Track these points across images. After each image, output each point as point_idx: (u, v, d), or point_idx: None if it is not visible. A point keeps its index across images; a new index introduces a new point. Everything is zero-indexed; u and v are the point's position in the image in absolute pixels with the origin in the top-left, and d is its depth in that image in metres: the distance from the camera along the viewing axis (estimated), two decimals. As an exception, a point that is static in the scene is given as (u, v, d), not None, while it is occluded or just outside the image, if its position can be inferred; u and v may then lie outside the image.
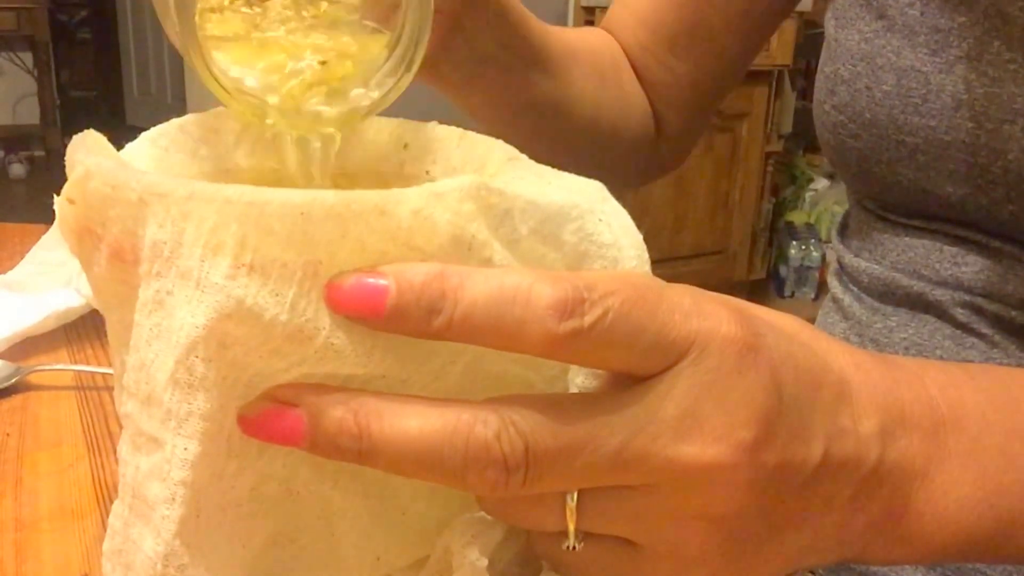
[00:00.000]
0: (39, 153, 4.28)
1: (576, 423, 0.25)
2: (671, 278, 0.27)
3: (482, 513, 0.29)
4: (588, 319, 0.24)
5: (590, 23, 2.37)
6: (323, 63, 0.31)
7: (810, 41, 2.81)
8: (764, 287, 3.08)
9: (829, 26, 0.51)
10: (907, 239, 0.48)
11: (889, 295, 0.49)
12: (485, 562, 0.28)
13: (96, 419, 0.49)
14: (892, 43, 0.45)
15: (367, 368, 0.26)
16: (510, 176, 0.30)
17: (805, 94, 3.07)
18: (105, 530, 0.29)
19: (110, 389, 0.53)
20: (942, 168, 0.44)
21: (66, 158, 0.27)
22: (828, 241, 2.98)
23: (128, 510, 0.27)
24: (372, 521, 0.29)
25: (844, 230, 0.56)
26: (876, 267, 0.50)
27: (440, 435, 0.24)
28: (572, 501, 0.26)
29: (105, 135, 0.29)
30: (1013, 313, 0.44)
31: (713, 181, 2.75)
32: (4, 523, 0.40)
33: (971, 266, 0.45)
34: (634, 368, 0.25)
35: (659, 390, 0.25)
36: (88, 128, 0.30)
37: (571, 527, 0.27)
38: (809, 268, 3.02)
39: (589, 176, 0.30)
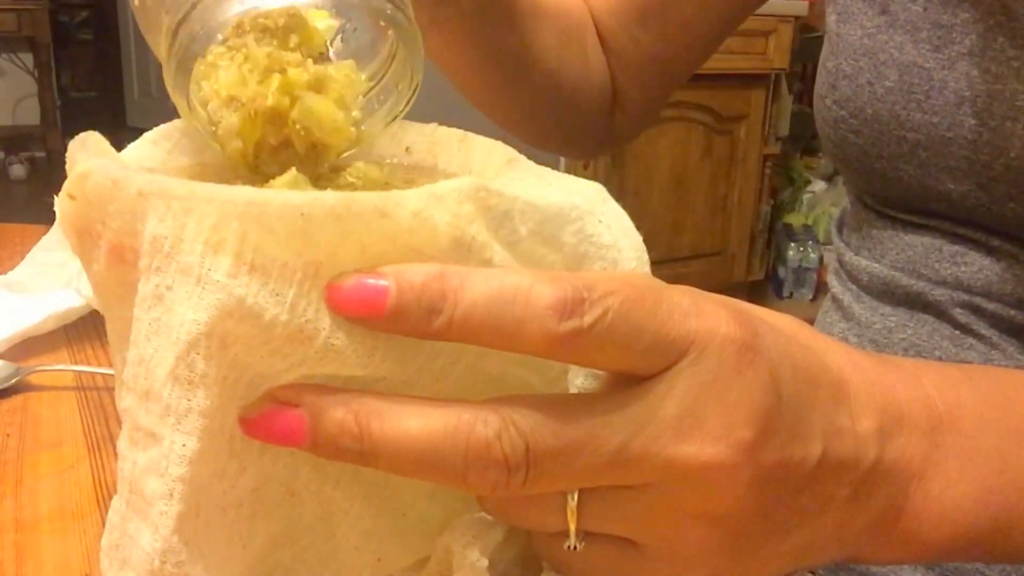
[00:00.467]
0: (39, 154, 4.28)
1: (577, 423, 0.25)
2: (670, 279, 0.27)
3: (483, 514, 0.29)
4: (588, 319, 0.24)
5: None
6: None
7: (807, 45, 2.82)
8: (763, 288, 3.08)
9: (831, 20, 0.51)
10: (907, 238, 0.48)
11: (888, 294, 0.49)
12: (486, 563, 0.28)
13: (96, 420, 0.49)
14: (895, 38, 0.45)
15: (367, 369, 0.26)
16: (510, 177, 0.30)
17: (802, 97, 3.08)
18: (105, 530, 0.29)
19: (110, 390, 0.53)
20: (943, 164, 0.44)
21: (67, 158, 0.28)
22: (826, 243, 2.99)
23: (125, 505, 0.27)
24: (373, 522, 0.29)
25: (842, 228, 0.56)
26: (876, 266, 0.50)
27: (441, 435, 0.24)
28: (573, 501, 0.26)
29: (106, 136, 0.29)
30: (1012, 312, 0.44)
31: (711, 183, 2.75)
32: (4, 524, 0.40)
33: (971, 266, 0.45)
34: (634, 368, 0.26)
35: (659, 390, 0.25)
36: (89, 129, 0.30)
37: (572, 527, 0.27)
38: (807, 269, 3.03)
39: (547, 140, 0.29)
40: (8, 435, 0.48)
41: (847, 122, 0.48)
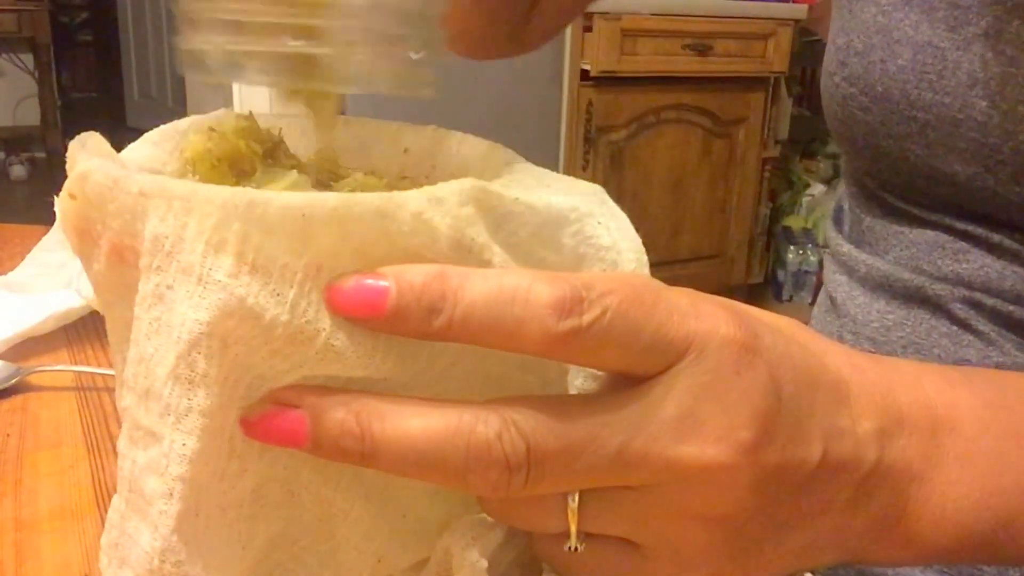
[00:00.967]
0: (40, 154, 4.28)
1: (577, 423, 0.25)
2: (669, 281, 0.27)
3: (483, 515, 0.29)
4: (587, 318, 0.24)
5: (588, 30, 2.38)
6: None
7: (806, 49, 2.83)
8: (762, 291, 3.08)
9: None
10: (911, 235, 0.48)
11: (886, 287, 0.49)
12: (485, 564, 0.28)
13: (96, 420, 0.50)
14: (910, 17, 0.45)
15: (368, 370, 0.26)
16: (509, 179, 0.30)
17: (801, 100, 3.08)
18: (105, 529, 0.29)
19: (110, 390, 0.53)
20: (952, 146, 0.43)
21: (67, 158, 0.28)
22: (825, 246, 2.98)
23: (125, 504, 0.27)
24: (373, 523, 0.29)
25: (839, 221, 0.56)
26: (876, 260, 0.49)
27: (442, 435, 0.24)
28: (573, 502, 0.26)
29: (106, 136, 0.29)
30: (1011, 308, 0.44)
31: (711, 186, 2.75)
32: (4, 524, 0.40)
33: (972, 263, 0.45)
34: (633, 368, 0.26)
35: (658, 391, 0.25)
36: (89, 129, 0.30)
37: (572, 528, 0.27)
38: (807, 272, 3.03)
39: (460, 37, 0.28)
40: (8, 435, 0.48)
41: (856, 99, 0.47)
